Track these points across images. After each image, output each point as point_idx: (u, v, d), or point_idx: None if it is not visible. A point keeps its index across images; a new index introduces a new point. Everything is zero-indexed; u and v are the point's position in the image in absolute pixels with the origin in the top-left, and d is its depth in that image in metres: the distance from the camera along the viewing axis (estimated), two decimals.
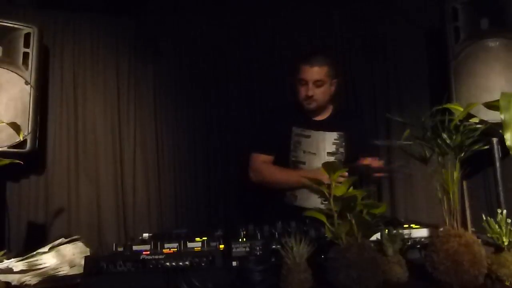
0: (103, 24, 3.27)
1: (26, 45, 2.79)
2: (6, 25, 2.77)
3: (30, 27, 2.80)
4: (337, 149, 2.59)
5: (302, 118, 2.60)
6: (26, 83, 2.74)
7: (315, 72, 2.48)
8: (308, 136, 2.58)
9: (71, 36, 3.18)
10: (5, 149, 2.57)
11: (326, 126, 2.59)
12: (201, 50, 3.40)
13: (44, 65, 2.95)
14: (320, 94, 2.52)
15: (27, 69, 2.77)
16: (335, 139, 2.59)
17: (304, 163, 2.56)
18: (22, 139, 2.60)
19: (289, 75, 2.64)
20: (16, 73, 2.73)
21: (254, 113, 3.37)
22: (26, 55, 2.78)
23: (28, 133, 2.68)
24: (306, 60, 2.50)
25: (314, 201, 2.40)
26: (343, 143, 2.59)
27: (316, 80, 2.49)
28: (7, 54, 2.76)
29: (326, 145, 2.58)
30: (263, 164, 2.61)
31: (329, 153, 2.56)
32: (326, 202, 2.44)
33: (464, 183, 3.02)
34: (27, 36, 2.79)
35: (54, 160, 3.05)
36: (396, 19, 3.34)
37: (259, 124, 3.02)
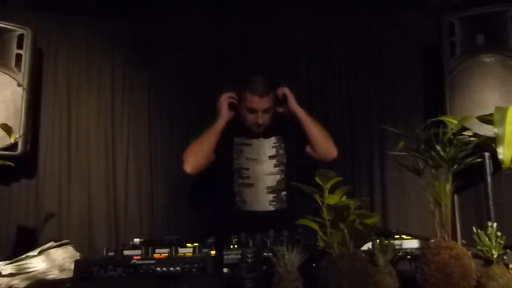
0: (98, 28, 3.27)
1: (19, 46, 2.77)
2: None
3: (23, 29, 2.79)
4: (277, 151, 2.70)
5: (242, 129, 2.70)
6: (19, 85, 2.73)
7: (264, 102, 2.59)
8: (250, 144, 2.69)
9: (65, 39, 3.18)
10: None
11: (264, 133, 2.69)
12: (196, 57, 3.40)
13: (37, 68, 2.94)
14: (268, 118, 2.64)
15: (19, 71, 2.75)
16: (274, 143, 2.71)
17: (247, 169, 2.66)
18: (13, 142, 2.58)
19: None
20: (9, 75, 2.71)
21: None
22: (19, 56, 2.76)
23: (20, 136, 2.66)
24: (254, 91, 2.58)
25: (263, 204, 2.60)
26: (282, 145, 2.70)
27: (265, 108, 2.60)
28: (0, 55, 2.73)
29: (266, 149, 2.69)
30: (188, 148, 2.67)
31: (270, 157, 2.68)
32: (274, 203, 2.59)
33: (456, 197, 3.07)
34: (21, 38, 2.78)
35: (45, 164, 3.03)
36: (393, 32, 3.36)
37: None
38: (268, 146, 2.70)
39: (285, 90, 2.65)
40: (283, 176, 2.67)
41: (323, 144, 2.64)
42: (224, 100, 2.65)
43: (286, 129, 2.73)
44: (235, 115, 2.70)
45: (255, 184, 2.64)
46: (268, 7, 3.39)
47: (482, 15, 2.84)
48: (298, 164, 2.75)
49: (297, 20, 3.43)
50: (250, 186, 2.64)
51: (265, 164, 2.66)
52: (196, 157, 2.62)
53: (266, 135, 2.70)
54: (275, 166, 2.68)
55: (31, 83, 2.80)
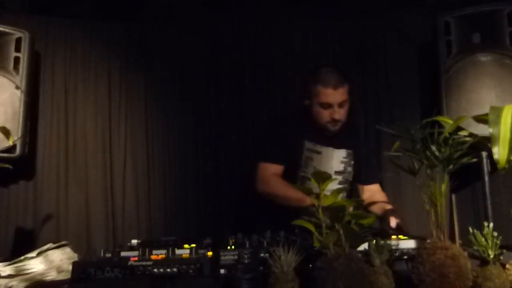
0: (95, 31, 3.27)
1: (17, 49, 2.77)
2: None
3: (21, 32, 2.79)
4: (345, 168, 2.54)
5: (314, 131, 2.52)
6: (17, 87, 2.73)
7: (339, 94, 2.39)
8: (320, 152, 2.51)
9: (62, 42, 3.17)
10: None
11: (336, 141, 2.52)
12: (193, 59, 3.40)
13: (35, 71, 2.94)
14: (344, 114, 2.46)
15: (17, 73, 2.75)
16: (343, 157, 2.54)
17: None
18: (11, 144, 2.58)
19: (302, 95, 2.53)
20: (7, 78, 2.71)
21: (246, 123, 3.39)
22: (17, 59, 2.76)
23: (18, 138, 2.66)
24: (327, 82, 2.39)
25: None
26: (352, 161, 2.54)
27: (341, 102, 2.42)
28: None
29: (333, 163, 2.52)
30: (273, 176, 2.48)
31: (336, 172, 2.51)
32: None
33: (453, 196, 3.07)
34: (18, 41, 2.78)
35: (43, 166, 3.03)
36: (388, 32, 3.37)
37: (268, 132, 2.79)
38: (337, 160, 2.52)
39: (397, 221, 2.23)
40: (345, 195, 2.51)
41: None
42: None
43: (358, 143, 2.56)
44: (306, 115, 2.51)
45: None
46: (263, 8, 3.39)
47: (478, 14, 2.84)
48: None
49: (293, 21, 3.44)
50: None
51: None
52: (272, 193, 2.44)
53: (338, 145, 2.52)
54: (340, 183, 2.49)
55: (29, 85, 2.80)
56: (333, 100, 2.40)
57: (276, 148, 2.55)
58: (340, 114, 2.42)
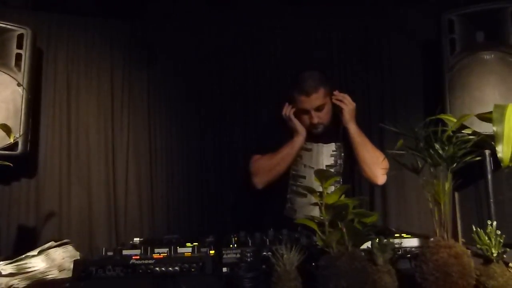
0: (98, 28, 3.27)
1: (19, 46, 2.77)
2: None
3: (23, 28, 2.79)
4: (335, 161, 2.55)
5: None
6: (18, 84, 2.72)
7: (313, 100, 2.39)
8: (310, 150, 2.54)
9: (65, 39, 3.17)
10: None
11: (324, 137, 2.53)
12: (196, 57, 3.40)
13: (37, 68, 2.93)
14: (324, 115, 2.45)
15: (19, 70, 2.75)
16: (333, 151, 2.55)
17: (304, 177, 2.53)
18: (13, 142, 2.58)
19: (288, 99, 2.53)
20: (8, 75, 2.71)
21: (248, 119, 3.39)
22: (18, 56, 2.76)
23: (20, 136, 2.66)
24: (301, 90, 2.39)
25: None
26: (342, 154, 2.55)
27: (317, 107, 2.42)
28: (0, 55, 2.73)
29: (324, 158, 2.54)
30: (259, 160, 2.50)
31: (327, 166, 2.52)
32: None
33: (456, 195, 3.07)
34: (20, 37, 2.78)
35: (45, 164, 3.03)
36: (392, 30, 3.36)
37: (264, 130, 2.86)
38: (327, 155, 2.54)
39: (339, 97, 2.45)
40: (337, 186, 2.46)
41: (370, 168, 2.43)
42: (289, 112, 2.46)
43: (347, 135, 2.52)
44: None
45: (309, 195, 2.48)
46: (266, 6, 3.38)
47: (482, 12, 2.84)
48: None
49: (296, 18, 3.43)
50: (303, 196, 2.48)
51: None
52: (269, 176, 2.45)
53: (326, 140, 2.54)
54: None
55: (31, 82, 2.80)
56: (309, 106, 2.40)
57: (268, 142, 2.58)
58: (319, 117, 2.42)
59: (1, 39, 2.76)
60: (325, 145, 2.55)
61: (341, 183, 2.53)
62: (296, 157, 2.46)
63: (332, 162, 2.55)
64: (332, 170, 2.52)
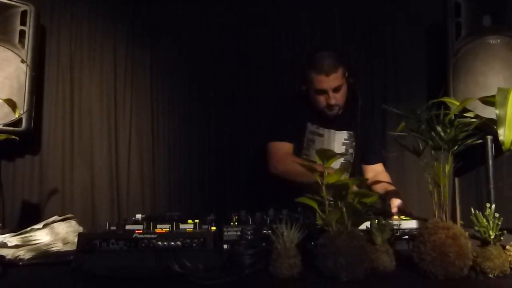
0: (101, 6, 3.26)
1: (23, 23, 2.76)
2: (2, 2, 2.73)
3: (27, 5, 2.78)
4: (346, 150, 2.56)
5: (316, 114, 2.52)
6: (22, 61, 2.72)
7: (332, 80, 2.37)
8: (322, 135, 2.53)
9: (68, 16, 3.17)
10: (0, 127, 2.56)
11: (337, 123, 2.52)
12: (199, 37, 3.39)
13: (40, 45, 2.93)
14: (340, 98, 2.44)
15: (23, 47, 2.74)
16: (345, 139, 2.55)
17: (315, 162, 2.51)
18: (18, 117, 2.59)
19: (302, 83, 2.52)
20: (12, 51, 2.71)
21: (252, 99, 3.40)
22: (22, 33, 2.75)
23: (24, 112, 2.67)
24: (320, 69, 2.36)
25: None
26: (353, 143, 2.55)
27: (336, 87, 2.40)
28: (3, 31, 2.72)
29: (335, 145, 2.53)
30: (288, 155, 2.46)
31: (338, 154, 2.48)
32: None
33: (456, 180, 3.08)
34: (24, 14, 2.77)
35: (49, 141, 3.06)
36: (397, 13, 3.34)
37: (275, 113, 2.75)
38: (339, 142, 2.53)
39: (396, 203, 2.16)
40: (347, 176, 2.44)
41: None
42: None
43: (359, 124, 2.50)
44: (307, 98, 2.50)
45: None
46: None
47: None
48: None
49: (300, 2, 3.41)
50: None
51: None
52: (287, 171, 2.38)
53: (339, 127, 2.53)
54: (341, 165, 2.50)
55: (35, 59, 2.80)
56: (327, 86, 2.38)
57: (285, 128, 2.54)
58: (336, 98, 2.41)
59: (4, 15, 2.75)
60: (337, 132, 2.54)
61: (351, 173, 2.53)
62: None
63: (343, 150, 2.55)
64: (342, 159, 2.51)
